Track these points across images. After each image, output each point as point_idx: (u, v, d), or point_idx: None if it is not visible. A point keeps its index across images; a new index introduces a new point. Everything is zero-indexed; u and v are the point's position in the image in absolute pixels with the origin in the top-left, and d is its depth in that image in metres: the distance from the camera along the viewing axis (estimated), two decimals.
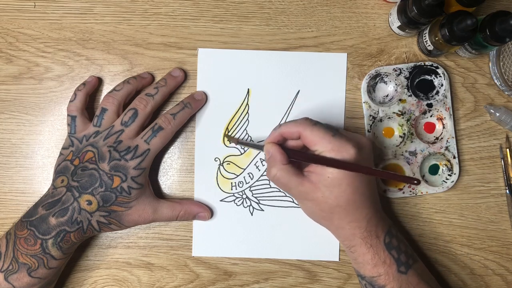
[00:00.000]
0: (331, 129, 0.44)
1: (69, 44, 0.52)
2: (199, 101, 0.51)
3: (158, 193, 0.52)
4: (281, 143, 0.46)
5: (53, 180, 0.47)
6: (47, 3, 0.52)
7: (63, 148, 0.48)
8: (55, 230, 0.44)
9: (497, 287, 0.53)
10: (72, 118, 0.48)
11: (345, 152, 0.43)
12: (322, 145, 0.43)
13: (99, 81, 0.52)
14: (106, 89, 0.52)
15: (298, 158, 0.45)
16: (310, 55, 0.52)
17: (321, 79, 0.52)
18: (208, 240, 0.52)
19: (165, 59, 0.52)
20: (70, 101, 0.49)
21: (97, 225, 0.46)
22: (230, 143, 0.52)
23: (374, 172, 0.43)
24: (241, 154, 0.52)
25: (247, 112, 0.52)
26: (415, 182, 0.43)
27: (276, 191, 0.52)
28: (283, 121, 0.52)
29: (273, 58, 0.52)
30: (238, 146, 0.52)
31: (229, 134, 0.52)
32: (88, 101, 0.51)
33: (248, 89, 0.52)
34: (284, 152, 0.45)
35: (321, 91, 0.52)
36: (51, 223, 0.44)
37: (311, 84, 0.52)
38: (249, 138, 0.52)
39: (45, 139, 0.52)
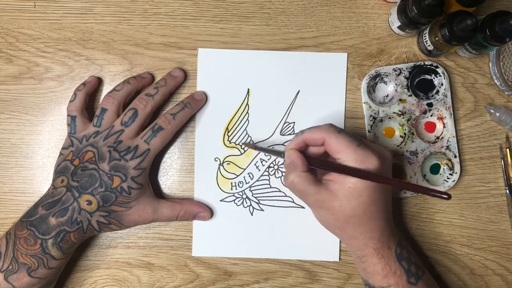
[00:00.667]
0: (356, 139, 0.43)
1: (69, 44, 0.52)
2: (199, 101, 0.51)
3: (158, 193, 0.52)
4: (303, 150, 0.46)
5: (53, 180, 0.47)
6: (47, 3, 0.52)
7: (63, 148, 0.48)
8: (55, 230, 0.44)
9: (497, 287, 0.53)
10: (72, 118, 0.48)
11: (369, 163, 0.42)
12: (346, 154, 0.42)
13: (99, 81, 0.52)
14: (106, 89, 0.52)
15: (320, 166, 0.44)
16: (310, 55, 0.52)
17: (321, 79, 0.52)
18: (208, 240, 0.52)
19: (165, 59, 0.52)
20: (70, 101, 0.49)
21: (97, 225, 0.46)
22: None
23: (399, 184, 0.42)
24: (241, 154, 0.52)
25: (247, 112, 0.52)
26: (445, 197, 0.41)
27: (276, 191, 0.52)
28: (282, 121, 0.52)
29: (273, 58, 0.52)
30: (238, 146, 0.52)
31: (248, 142, 0.52)
32: (88, 101, 0.51)
33: (248, 89, 0.52)
34: (305, 159, 0.44)
35: (321, 91, 0.52)
36: (51, 223, 0.44)
37: (311, 84, 0.52)
38: (249, 138, 0.52)
39: (45, 139, 0.52)
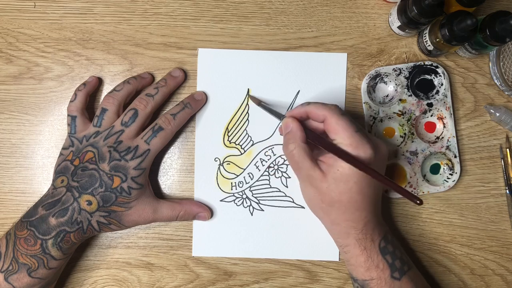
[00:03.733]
0: (355, 124, 0.43)
1: (69, 44, 0.52)
2: (199, 101, 0.51)
3: (158, 193, 0.52)
4: (303, 120, 0.46)
5: (53, 180, 0.47)
6: (47, 3, 0.52)
7: (63, 148, 0.48)
8: (55, 230, 0.44)
9: (497, 287, 0.53)
10: (72, 118, 0.48)
11: (362, 150, 0.42)
12: (343, 136, 0.43)
13: (100, 81, 0.52)
14: (106, 89, 0.52)
15: (315, 142, 0.45)
16: (310, 55, 0.52)
17: (321, 79, 0.52)
18: (208, 240, 0.52)
19: (165, 59, 0.52)
20: (71, 101, 0.49)
21: (97, 225, 0.46)
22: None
23: (381, 179, 0.42)
24: (241, 154, 0.52)
25: (247, 112, 0.52)
26: (418, 202, 0.41)
27: (276, 191, 0.52)
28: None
29: (273, 58, 0.52)
30: (238, 146, 0.52)
31: (253, 95, 0.52)
32: (89, 101, 0.51)
33: (248, 89, 0.52)
34: (303, 130, 0.45)
35: (321, 91, 0.52)
36: (51, 223, 0.44)
37: (311, 84, 0.52)
38: (249, 138, 0.52)
39: (45, 139, 0.52)
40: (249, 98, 0.52)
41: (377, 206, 0.47)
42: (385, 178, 0.42)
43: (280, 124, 0.47)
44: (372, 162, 0.43)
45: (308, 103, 0.45)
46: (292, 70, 0.52)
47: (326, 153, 0.44)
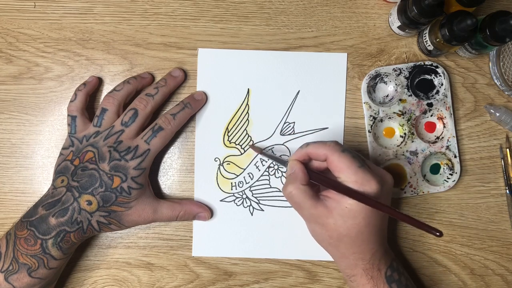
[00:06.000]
0: (358, 159, 0.43)
1: (69, 44, 0.52)
2: (199, 101, 0.51)
3: (158, 193, 0.52)
4: (306, 162, 0.46)
5: (53, 180, 0.47)
6: (47, 3, 0.52)
7: (63, 148, 0.48)
8: (55, 230, 0.44)
9: (497, 287, 0.53)
10: (72, 118, 0.48)
11: (368, 186, 0.42)
12: (347, 174, 0.42)
13: (99, 81, 0.52)
14: (106, 89, 0.52)
15: (320, 182, 0.44)
16: (310, 55, 0.52)
17: (321, 79, 0.52)
18: (208, 240, 0.52)
19: (165, 59, 0.52)
20: (71, 101, 0.49)
21: (97, 225, 0.46)
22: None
23: (395, 214, 0.42)
24: (241, 154, 0.52)
25: (247, 112, 0.52)
26: (437, 234, 0.40)
27: (276, 191, 0.52)
28: (282, 121, 0.52)
29: (273, 58, 0.52)
30: (238, 146, 0.52)
31: (253, 144, 0.52)
32: (89, 101, 0.51)
33: (248, 89, 0.52)
34: (306, 172, 0.44)
35: (321, 91, 0.52)
36: (51, 223, 0.44)
37: (311, 84, 0.52)
38: (249, 138, 0.52)
39: (45, 139, 0.52)
40: (251, 148, 0.52)
41: (383, 236, 0.47)
42: (398, 212, 0.42)
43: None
44: (380, 195, 0.42)
45: (307, 144, 0.45)
46: (292, 70, 0.52)
47: (329, 191, 0.44)
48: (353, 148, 0.52)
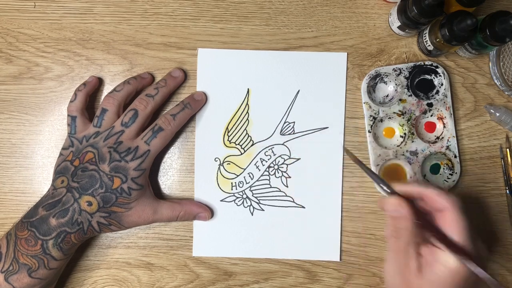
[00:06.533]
0: (471, 228, 0.39)
1: (69, 44, 0.52)
2: (199, 102, 0.51)
3: (158, 193, 0.52)
4: (412, 199, 0.41)
5: (53, 181, 0.47)
6: (47, 3, 0.52)
7: (63, 149, 0.48)
8: (55, 231, 0.44)
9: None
10: (72, 119, 0.48)
11: (476, 251, 0.38)
12: (458, 236, 0.39)
13: (100, 81, 0.52)
14: (106, 89, 0.52)
15: (427, 226, 0.40)
16: (310, 55, 0.52)
17: (321, 78, 0.52)
18: (209, 240, 0.52)
19: (165, 59, 0.52)
20: (71, 102, 0.49)
21: (97, 226, 0.46)
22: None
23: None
24: (241, 154, 0.52)
25: (247, 112, 0.52)
26: None
27: (276, 191, 0.52)
28: (282, 121, 0.52)
29: (273, 58, 0.52)
30: (238, 146, 0.52)
31: (348, 149, 0.50)
32: (89, 101, 0.51)
33: (248, 89, 0.52)
34: (414, 215, 0.39)
35: (321, 90, 0.52)
36: (52, 224, 0.44)
37: (311, 83, 0.52)
38: (249, 138, 0.52)
39: (45, 139, 0.52)
40: (345, 151, 0.49)
41: None
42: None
43: (382, 191, 0.43)
44: (481, 266, 0.38)
45: (427, 185, 0.40)
46: (292, 70, 0.52)
47: (426, 247, 0.40)
48: (353, 148, 0.52)
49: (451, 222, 0.39)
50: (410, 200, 0.39)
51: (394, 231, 0.40)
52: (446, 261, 0.38)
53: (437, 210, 0.40)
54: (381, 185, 0.41)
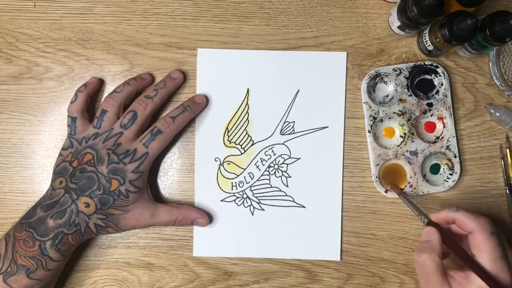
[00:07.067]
0: (501, 248, 0.41)
1: (69, 44, 0.52)
2: (199, 105, 0.51)
3: (158, 194, 0.52)
4: (443, 224, 0.45)
5: (52, 181, 0.47)
6: (47, 3, 0.52)
7: (62, 149, 0.48)
8: (53, 232, 0.44)
9: None
10: (72, 119, 0.48)
11: (501, 280, 0.40)
12: (486, 258, 0.41)
13: (100, 82, 0.52)
14: (106, 89, 0.52)
15: (455, 252, 0.43)
16: (310, 55, 0.52)
17: (321, 78, 0.52)
18: (209, 241, 0.52)
19: (165, 59, 0.52)
20: (71, 102, 0.49)
21: (95, 227, 0.46)
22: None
23: None
24: (241, 154, 0.52)
25: (247, 112, 0.52)
26: None
27: (277, 191, 0.52)
28: (282, 120, 0.52)
29: (273, 58, 0.52)
30: (238, 146, 0.52)
31: (395, 185, 0.51)
32: (89, 102, 0.50)
33: (248, 89, 0.52)
34: (441, 242, 0.43)
35: (321, 90, 0.52)
36: (49, 225, 0.44)
37: (311, 83, 0.52)
38: (249, 137, 0.52)
39: (45, 139, 0.52)
40: (392, 189, 0.51)
41: None
42: None
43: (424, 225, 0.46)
44: None
45: (457, 209, 0.44)
46: (292, 69, 0.52)
47: (458, 270, 0.43)
48: (353, 148, 0.52)
49: (479, 245, 0.41)
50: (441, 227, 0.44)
51: (421, 257, 0.43)
52: (479, 284, 0.40)
53: (468, 232, 0.43)
54: (421, 217, 0.47)
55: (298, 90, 0.52)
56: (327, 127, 0.52)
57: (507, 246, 0.43)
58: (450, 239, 0.44)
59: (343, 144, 0.52)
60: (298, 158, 0.52)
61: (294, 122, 0.52)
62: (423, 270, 0.43)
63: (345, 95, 0.52)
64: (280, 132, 0.52)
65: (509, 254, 0.42)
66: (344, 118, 0.52)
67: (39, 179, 0.52)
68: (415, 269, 0.45)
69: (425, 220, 0.46)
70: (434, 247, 0.43)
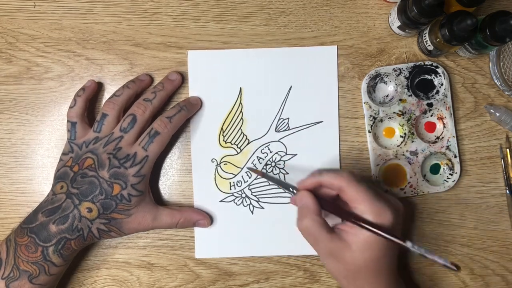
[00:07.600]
0: (372, 190, 0.43)
1: (69, 44, 0.52)
2: (195, 105, 0.51)
3: (158, 194, 0.52)
4: (316, 190, 0.45)
5: (53, 186, 0.47)
6: (47, 3, 0.52)
7: (62, 154, 0.48)
8: (55, 238, 0.44)
9: (497, 287, 0.53)
10: (72, 124, 0.48)
11: (384, 217, 0.42)
12: (365, 205, 0.42)
13: (99, 85, 0.52)
14: (106, 89, 0.52)
15: (334, 212, 0.44)
16: (300, 50, 0.52)
17: (313, 73, 0.52)
18: (211, 242, 0.52)
19: (165, 59, 0.52)
20: (70, 107, 0.49)
21: (97, 232, 0.46)
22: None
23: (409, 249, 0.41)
24: (238, 153, 0.52)
25: (241, 111, 0.52)
26: (455, 269, 0.40)
27: (275, 188, 0.52)
28: (277, 118, 0.52)
29: (263, 55, 0.52)
30: (234, 146, 0.52)
31: (252, 167, 0.52)
32: (89, 105, 0.50)
33: (240, 88, 0.52)
34: (318, 202, 0.44)
35: (313, 85, 0.52)
36: (52, 231, 0.44)
37: (303, 78, 0.52)
38: (245, 136, 0.52)
39: (45, 139, 0.52)
40: (251, 172, 0.52)
41: (395, 267, 0.46)
42: (416, 248, 0.41)
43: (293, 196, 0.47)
44: (395, 224, 0.42)
45: (320, 172, 0.44)
46: (283, 66, 0.52)
47: (345, 225, 0.44)
48: (353, 148, 0.52)
49: (353, 196, 0.42)
50: (314, 191, 0.45)
51: (303, 223, 0.43)
52: (363, 233, 0.42)
53: (337, 190, 0.43)
54: (290, 188, 0.48)
55: (291, 87, 0.52)
56: (322, 121, 0.52)
57: (376, 189, 0.44)
58: (324, 201, 0.44)
59: (339, 138, 0.52)
60: (295, 154, 0.52)
61: (288, 118, 0.52)
62: (309, 234, 0.44)
63: (338, 89, 0.52)
64: (275, 129, 0.52)
65: (381, 194, 0.44)
66: (338, 111, 0.52)
67: (39, 179, 0.52)
68: (305, 239, 0.45)
69: (294, 191, 0.47)
70: (310, 208, 0.44)
